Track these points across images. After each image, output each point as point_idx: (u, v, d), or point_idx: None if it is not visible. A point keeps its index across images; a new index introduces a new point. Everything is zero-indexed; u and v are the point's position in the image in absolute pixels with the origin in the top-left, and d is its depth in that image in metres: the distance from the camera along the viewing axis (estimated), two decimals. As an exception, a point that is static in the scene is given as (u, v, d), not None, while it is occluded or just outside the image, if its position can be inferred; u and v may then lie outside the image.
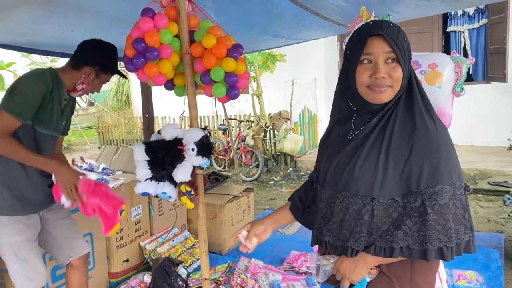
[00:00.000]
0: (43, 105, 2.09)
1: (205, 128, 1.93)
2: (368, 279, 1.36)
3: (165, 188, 1.91)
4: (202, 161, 1.89)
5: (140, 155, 1.91)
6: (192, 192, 1.92)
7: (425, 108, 1.31)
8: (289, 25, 3.42)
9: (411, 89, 1.33)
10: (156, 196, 1.97)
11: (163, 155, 1.91)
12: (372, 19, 1.81)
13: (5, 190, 2.10)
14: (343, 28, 3.65)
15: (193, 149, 1.84)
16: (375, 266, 1.36)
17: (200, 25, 2.15)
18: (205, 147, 1.87)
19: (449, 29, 8.07)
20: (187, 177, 1.90)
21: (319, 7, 2.94)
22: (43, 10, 2.40)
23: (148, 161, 1.92)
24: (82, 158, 3.80)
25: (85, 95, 2.37)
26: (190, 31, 2.12)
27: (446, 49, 8.14)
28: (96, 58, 2.23)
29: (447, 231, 1.22)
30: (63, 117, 2.30)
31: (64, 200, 2.11)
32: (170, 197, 1.95)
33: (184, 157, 1.89)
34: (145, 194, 1.95)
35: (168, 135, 1.93)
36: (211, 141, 1.92)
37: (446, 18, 8.07)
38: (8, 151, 2.01)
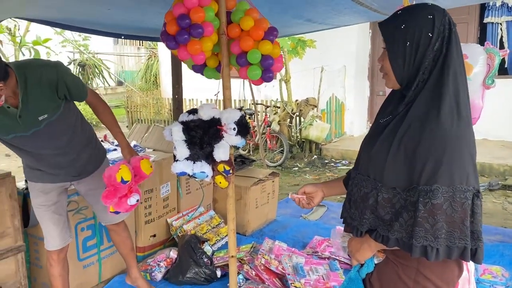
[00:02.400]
0: None
1: (240, 109, 1.96)
2: (375, 261, 1.43)
3: (204, 167, 1.95)
4: (239, 141, 1.93)
5: (179, 135, 1.94)
6: (231, 171, 1.97)
7: (450, 102, 1.25)
8: (323, 9, 3.38)
9: (440, 80, 1.27)
10: (190, 176, 2.01)
11: (201, 135, 1.94)
12: None
13: (25, 165, 2.44)
14: (377, 14, 3.60)
15: (234, 129, 1.87)
16: (382, 251, 1.40)
17: (237, 6, 2.17)
18: (243, 127, 1.91)
19: (486, 20, 7.82)
20: (227, 156, 1.95)
21: (355, -9, 2.91)
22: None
23: (185, 140, 1.95)
24: (105, 137, 3.91)
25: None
26: (228, 12, 2.14)
27: (482, 41, 7.89)
28: None
29: (435, 231, 1.21)
30: (27, 118, 2.12)
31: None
32: (207, 176, 1.99)
33: (222, 137, 1.93)
34: (182, 173, 1.99)
35: (205, 115, 1.96)
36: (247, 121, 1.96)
37: (483, 8, 7.82)
38: None
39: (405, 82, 1.34)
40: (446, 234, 1.22)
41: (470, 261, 1.28)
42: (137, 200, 2.32)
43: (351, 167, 1.78)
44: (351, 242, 1.48)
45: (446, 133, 1.22)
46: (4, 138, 2.20)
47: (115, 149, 3.73)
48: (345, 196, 1.58)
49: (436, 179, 1.21)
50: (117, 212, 2.32)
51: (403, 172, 1.27)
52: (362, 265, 1.47)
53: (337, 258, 3.24)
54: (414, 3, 1.81)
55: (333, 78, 8.42)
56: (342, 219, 1.54)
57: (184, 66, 3.06)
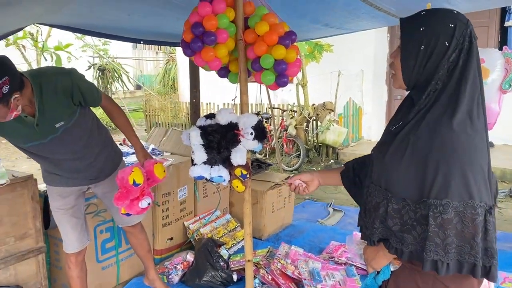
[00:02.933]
0: None
1: (258, 114, 1.98)
2: (392, 269, 1.43)
3: (221, 171, 1.97)
4: (257, 145, 1.94)
5: (197, 139, 1.97)
6: (248, 175, 1.98)
7: (464, 114, 1.21)
8: (341, 14, 3.38)
9: (456, 92, 1.24)
10: (208, 180, 2.03)
11: (219, 139, 1.96)
12: None
13: (43, 169, 2.48)
14: (396, 19, 3.58)
15: (251, 133, 1.89)
16: (398, 258, 1.39)
17: (256, 11, 2.18)
18: (260, 131, 1.92)
19: (507, 24, 7.68)
20: (244, 161, 1.96)
21: (373, -4, 2.90)
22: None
23: (202, 144, 1.97)
24: (124, 140, 3.96)
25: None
26: (246, 18, 2.15)
27: (502, 45, 7.77)
28: None
29: (445, 246, 1.20)
30: (45, 126, 2.16)
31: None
32: (224, 180, 2.01)
33: (239, 141, 1.94)
34: (199, 177, 2.01)
35: (223, 120, 1.97)
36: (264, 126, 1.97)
37: (504, 12, 7.69)
38: None
39: (411, 85, 1.34)
40: (457, 248, 1.21)
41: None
42: (149, 204, 2.34)
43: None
44: (366, 250, 1.48)
45: (459, 145, 1.19)
46: (22, 146, 2.26)
47: (134, 153, 3.77)
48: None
49: (447, 193, 1.19)
50: (128, 214, 2.35)
51: (413, 183, 1.26)
52: (378, 272, 1.46)
53: (354, 264, 3.22)
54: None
55: (351, 82, 8.38)
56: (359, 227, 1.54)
57: (201, 71, 3.10)
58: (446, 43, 1.25)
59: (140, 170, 2.27)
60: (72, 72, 2.24)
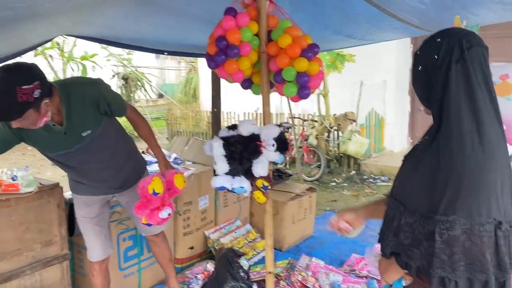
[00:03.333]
0: (24, 141, 2.17)
1: (280, 125, 1.99)
2: (403, 284, 1.43)
3: (243, 182, 1.99)
4: (278, 157, 1.95)
5: (219, 150, 1.99)
6: (269, 187, 1.99)
7: (468, 126, 1.20)
8: (363, 26, 3.39)
9: (455, 104, 1.23)
10: (229, 190, 2.05)
11: (241, 150, 1.98)
12: (462, 27, 1.80)
13: (69, 177, 2.54)
14: (419, 30, 3.56)
15: (273, 145, 1.90)
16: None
17: (279, 24, 2.21)
18: (282, 143, 1.93)
19: (534, 34, 7.53)
20: (266, 172, 1.97)
21: (395, 9, 2.89)
22: (133, 6, 2.56)
23: (224, 155, 2.00)
24: (147, 149, 4.00)
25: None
26: (269, 31, 2.18)
27: (530, 55, 7.60)
28: None
29: (452, 263, 1.19)
30: (72, 135, 2.20)
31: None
32: (246, 191, 2.02)
33: (261, 153, 1.96)
34: (221, 188, 2.03)
35: (245, 131, 2.00)
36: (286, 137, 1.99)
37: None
38: None
39: (426, 103, 1.38)
40: (466, 266, 1.19)
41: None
42: (169, 214, 2.36)
43: (390, 184, 1.77)
44: (381, 262, 1.49)
45: (465, 160, 1.18)
46: (50, 155, 2.31)
47: (156, 162, 3.82)
48: None
49: (454, 209, 1.18)
50: (149, 225, 2.37)
51: (424, 198, 1.27)
52: (391, 285, 1.46)
53: (375, 277, 3.18)
54: (464, 23, 1.80)
55: (373, 93, 8.32)
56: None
57: (223, 80, 3.13)
58: (435, 56, 1.28)
59: (161, 180, 2.30)
60: (99, 82, 2.30)
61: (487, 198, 1.18)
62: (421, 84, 1.36)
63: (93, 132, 2.26)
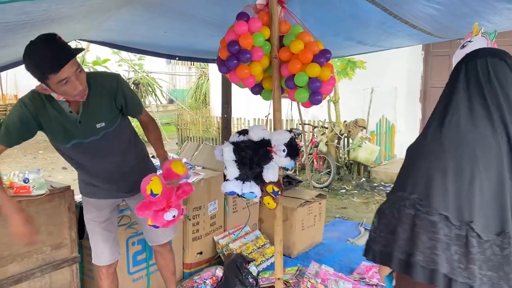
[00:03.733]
0: (42, 127, 2.15)
1: (290, 131, 1.98)
2: (393, 284, 1.48)
3: (253, 187, 1.98)
4: (289, 162, 1.95)
5: (230, 155, 1.99)
6: (280, 192, 1.98)
7: (435, 116, 1.39)
8: (375, 32, 3.37)
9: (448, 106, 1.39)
10: (239, 196, 2.04)
11: (251, 156, 1.98)
12: (480, 35, 1.79)
13: (80, 180, 2.51)
14: (431, 37, 3.53)
15: (284, 150, 1.90)
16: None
17: (291, 30, 2.21)
18: (293, 148, 1.92)
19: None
20: (276, 177, 1.97)
21: (408, 15, 2.87)
22: (145, 11, 2.58)
23: (235, 160, 1.99)
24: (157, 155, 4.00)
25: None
26: (281, 36, 2.18)
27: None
28: (29, 72, 1.97)
29: (377, 233, 1.35)
30: (86, 125, 2.19)
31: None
32: (256, 196, 2.01)
33: (272, 158, 1.95)
34: (231, 193, 2.02)
35: (256, 136, 1.99)
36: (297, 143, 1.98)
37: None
38: None
39: None
40: (384, 238, 1.30)
41: None
42: (174, 216, 2.27)
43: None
44: None
45: (412, 145, 1.42)
46: (64, 146, 2.26)
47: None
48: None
49: (395, 186, 1.37)
50: (156, 227, 2.29)
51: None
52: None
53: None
54: (482, 29, 1.79)
55: (383, 99, 8.27)
56: None
57: (233, 86, 3.12)
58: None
59: (159, 180, 2.21)
60: (119, 76, 2.32)
61: (414, 178, 1.30)
62: None
63: (107, 126, 2.25)
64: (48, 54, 1.85)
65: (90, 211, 2.50)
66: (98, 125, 2.22)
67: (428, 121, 1.40)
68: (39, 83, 2.01)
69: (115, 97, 2.23)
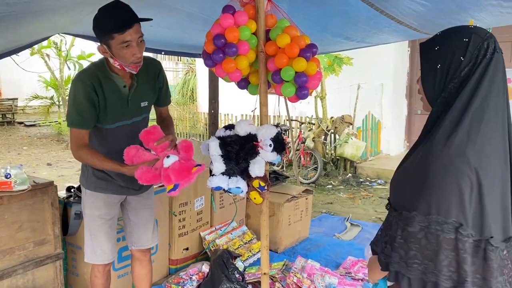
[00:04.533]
0: (99, 103, 2.13)
1: (277, 125, 1.97)
2: (388, 284, 1.40)
3: (239, 182, 1.97)
4: (275, 157, 1.93)
5: (216, 150, 1.97)
6: (266, 187, 1.97)
7: (464, 132, 1.16)
8: (362, 28, 3.38)
9: (464, 107, 1.19)
10: (226, 191, 2.02)
11: (237, 150, 1.96)
12: None
13: (91, 173, 2.34)
14: (417, 33, 3.56)
15: (270, 145, 1.88)
16: None
17: (277, 24, 2.19)
18: (279, 143, 1.91)
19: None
20: (262, 172, 1.95)
21: (395, 11, 2.89)
22: (131, 5, 2.54)
23: (221, 155, 1.97)
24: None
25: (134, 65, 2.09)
26: (267, 30, 2.16)
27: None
28: (96, 33, 2.07)
29: (407, 259, 1.19)
30: (134, 102, 2.22)
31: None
32: (242, 191, 2.00)
33: (258, 153, 1.94)
34: (217, 188, 2.00)
35: (242, 131, 1.98)
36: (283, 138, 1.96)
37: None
38: (87, 161, 2.18)
39: (431, 101, 1.32)
40: (420, 265, 1.18)
41: None
42: (173, 162, 1.99)
43: (387, 187, 1.78)
44: (369, 260, 1.49)
45: (433, 160, 1.17)
46: (110, 126, 2.22)
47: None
48: (380, 217, 1.58)
49: (416, 206, 1.18)
50: (175, 188, 1.98)
51: (399, 196, 1.30)
52: (376, 284, 1.45)
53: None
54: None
55: (370, 96, 8.33)
56: None
57: (221, 82, 3.09)
58: (461, 57, 1.21)
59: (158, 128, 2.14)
60: (161, 63, 2.42)
61: (447, 198, 1.14)
62: (439, 83, 1.25)
63: (148, 106, 2.33)
64: (119, 14, 1.98)
65: (99, 207, 2.36)
66: (142, 104, 2.29)
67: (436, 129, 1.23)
68: (99, 43, 2.08)
69: (157, 78, 2.34)
